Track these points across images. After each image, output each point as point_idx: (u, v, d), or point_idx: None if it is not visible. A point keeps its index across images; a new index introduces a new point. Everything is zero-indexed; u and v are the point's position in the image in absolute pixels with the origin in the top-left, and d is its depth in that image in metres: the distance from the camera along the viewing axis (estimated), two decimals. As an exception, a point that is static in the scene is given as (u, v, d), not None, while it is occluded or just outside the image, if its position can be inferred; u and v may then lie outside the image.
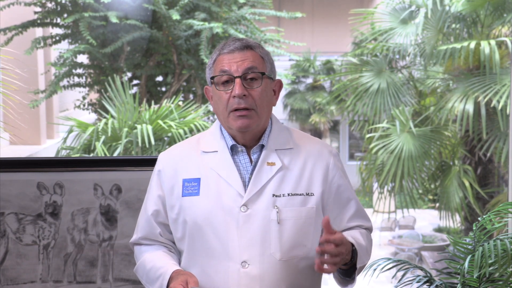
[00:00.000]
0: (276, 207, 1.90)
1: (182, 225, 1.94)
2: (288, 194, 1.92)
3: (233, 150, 1.96)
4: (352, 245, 1.87)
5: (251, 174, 1.93)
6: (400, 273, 2.72)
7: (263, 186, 1.91)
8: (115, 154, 5.79)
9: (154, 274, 1.92)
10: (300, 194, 1.93)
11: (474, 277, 2.44)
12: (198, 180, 1.94)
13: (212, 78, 1.93)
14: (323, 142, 2.10)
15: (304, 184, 1.94)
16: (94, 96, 9.68)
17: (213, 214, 1.89)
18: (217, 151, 1.96)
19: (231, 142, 1.96)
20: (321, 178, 1.96)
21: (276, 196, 1.91)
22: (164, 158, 2.02)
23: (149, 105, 7.13)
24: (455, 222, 7.59)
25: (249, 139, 1.96)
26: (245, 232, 1.88)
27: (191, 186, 1.94)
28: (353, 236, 1.94)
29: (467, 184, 7.27)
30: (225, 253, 1.88)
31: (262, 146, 1.96)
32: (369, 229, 2.06)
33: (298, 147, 1.99)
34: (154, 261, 1.95)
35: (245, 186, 1.92)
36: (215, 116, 10.02)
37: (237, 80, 1.89)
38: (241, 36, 8.41)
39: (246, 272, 1.87)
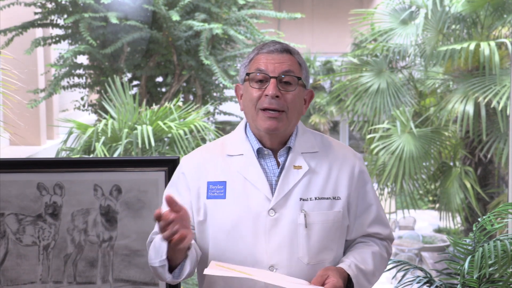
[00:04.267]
0: (304, 211, 1.89)
1: (208, 228, 1.91)
2: (316, 198, 1.91)
3: (259, 153, 1.95)
4: (350, 279, 1.87)
5: (278, 177, 1.91)
6: (400, 274, 2.72)
7: (290, 190, 1.90)
8: (115, 155, 5.78)
9: (158, 241, 1.85)
10: (327, 198, 1.92)
11: (474, 277, 2.44)
12: (224, 183, 1.92)
13: (248, 74, 1.92)
14: (347, 146, 2.11)
15: (331, 188, 1.93)
16: (94, 97, 9.67)
17: (240, 218, 1.88)
18: (243, 154, 1.94)
19: (257, 145, 1.94)
20: (347, 182, 1.95)
21: (304, 200, 1.90)
22: (187, 161, 2.00)
23: (149, 106, 7.13)
24: (456, 223, 7.59)
25: (276, 142, 1.95)
26: (273, 237, 1.87)
27: (217, 189, 1.92)
28: (362, 260, 1.93)
29: (468, 185, 7.27)
30: (252, 257, 1.87)
31: (289, 149, 1.95)
32: (388, 238, 2.05)
33: (324, 150, 1.99)
34: (158, 237, 1.88)
35: (272, 189, 1.90)
36: (215, 117, 10.02)
37: (272, 80, 1.88)
38: (241, 37, 8.41)
39: None
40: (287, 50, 1.93)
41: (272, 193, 1.89)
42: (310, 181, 1.92)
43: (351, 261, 1.91)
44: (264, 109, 1.89)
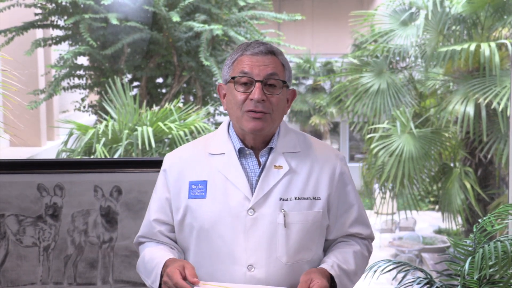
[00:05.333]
0: (283, 210, 1.90)
1: (188, 227, 1.93)
2: (295, 198, 1.92)
3: (241, 152, 1.96)
4: (332, 279, 1.89)
5: (259, 177, 1.93)
6: (401, 275, 2.72)
7: (270, 190, 1.91)
8: (116, 156, 5.78)
9: (150, 265, 1.92)
10: (307, 198, 1.93)
11: (475, 279, 2.44)
12: (204, 183, 1.93)
13: (233, 78, 1.92)
14: (330, 146, 2.11)
15: (311, 188, 1.94)
16: (94, 98, 9.68)
17: (219, 217, 1.89)
18: (224, 153, 1.95)
19: (239, 144, 1.95)
20: (327, 182, 1.96)
21: (283, 199, 1.91)
22: (170, 159, 2.01)
23: (150, 107, 7.13)
24: (457, 224, 7.59)
25: (258, 142, 1.96)
26: (252, 236, 1.88)
27: (198, 189, 1.93)
28: (344, 260, 1.95)
29: (468, 186, 7.27)
30: (231, 257, 1.88)
31: (271, 149, 1.96)
32: (368, 238, 2.07)
33: (306, 150, 2.00)
34: (152, 253, 1.95)
35: (252, 189, 1.92)
36: (216, 118, 10.03)
37: (258, 84, 1.88)
38: (241, 38, 8.41)
39: (252, 276, 1.87)
40: (271, 52, 1.93)
41: (252, 192, 1.90)
42: (291, 181, 1.93)
43: (333, 261, 1.92)
44: (249, 111, 1.90)
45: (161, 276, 1.86)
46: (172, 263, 1.85)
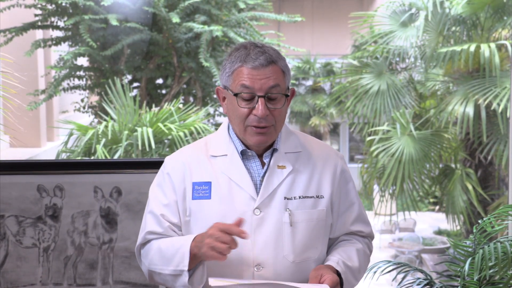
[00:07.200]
0: (288, 209, 1.91)
1: (194, 229, 1.92)
2: (300, 197, 1.93)
3: (243, 154, 1.96)
4: (340, 276, 1.90)
5: (263, 177, 1.93)
6: (400, 276, 2.72)
7: (275, 189, 1.92)
8: (115, 157, 5.78)
9: (171, 249, 1.86)
10: (311, 197, 1.94)
11: (474, 279, 2.44)
12: (209, 184, 1.93)
13: (235, 94, 1.87)
14: (330, 146, 2.13)
15: (314, 186, 1.96)
16: (94, 98, 9.67)
17: (226, 217, 1.88)
18: (226, 155, 1.95)
19: (241, 147, 1.95)
20: (329, 181, 1.98)
21: (288, 198, 1.92)
22: (172, 162, 2.00)
23: (149, 108, 7.13)
24: (461, 225, 7.59)
25: (262, 148, 1.96)
26: (259, 236, 1.89)
27: (202, 190, 1.93)
28: (348, 257, 1.96)
29: (470, 187, 7.28)
30: (238, 257, 1.88)
31: (274, 150, 1.97)
32: (369, 236, 2.09)
33: (306, 150, 2.01)
34: (171, 240, 1.90)
35: (257, 189, 1.92)
36: (216, 119, 10.01)
37: (261, 100, 1.86)
38: (241, 39, 8.40)
39: (260, 275, 1.89)
40: (271, 62, 1.87)
41: (257, 192, 1.91)
42: (294, 180, 1.94)
43: (338, 258, 1.94)
44: (253, 126, 1.89)
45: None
46: (201, 235, 1.82)
